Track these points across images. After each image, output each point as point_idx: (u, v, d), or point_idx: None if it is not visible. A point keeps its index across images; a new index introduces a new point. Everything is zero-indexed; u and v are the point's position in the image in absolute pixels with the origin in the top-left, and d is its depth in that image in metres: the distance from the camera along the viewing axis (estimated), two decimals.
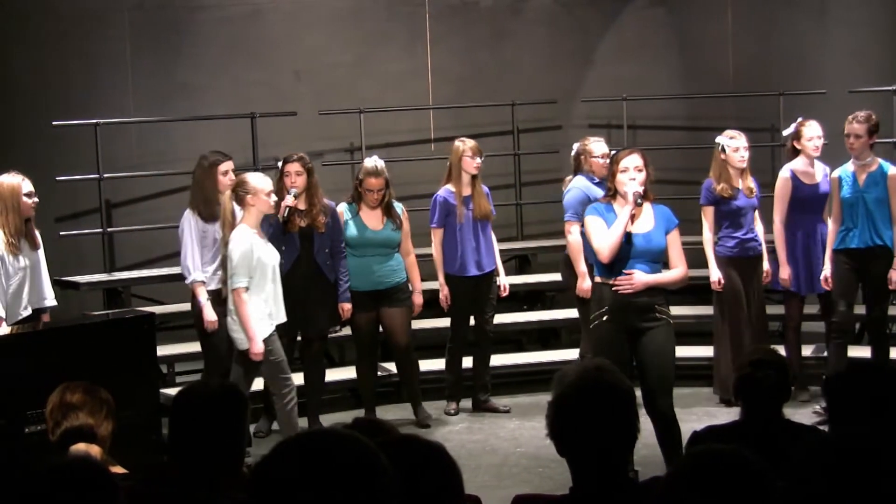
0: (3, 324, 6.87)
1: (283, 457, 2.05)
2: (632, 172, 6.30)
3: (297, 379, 7.61)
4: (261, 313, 7.07)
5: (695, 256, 8.60)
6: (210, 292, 7.60)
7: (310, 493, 1.98)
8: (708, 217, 8.36)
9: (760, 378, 4.38)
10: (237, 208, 7.23)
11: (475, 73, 11.11)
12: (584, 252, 7.85)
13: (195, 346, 9.02)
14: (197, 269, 7.58)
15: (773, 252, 8.71)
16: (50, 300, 7.36)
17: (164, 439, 5.94)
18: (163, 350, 8.04)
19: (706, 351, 8.81)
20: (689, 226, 9.06)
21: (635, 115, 10.98)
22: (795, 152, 8.36)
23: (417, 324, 8.66)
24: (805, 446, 2.57)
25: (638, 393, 3.79)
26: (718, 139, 8.37)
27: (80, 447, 4.09)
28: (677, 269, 6.42)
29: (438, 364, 8.79)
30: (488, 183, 8.78)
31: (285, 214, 7.78)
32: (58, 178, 9.29)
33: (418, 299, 8.32)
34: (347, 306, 8.04)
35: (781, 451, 3.34)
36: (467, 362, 8.68)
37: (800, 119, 8.41)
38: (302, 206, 7.87)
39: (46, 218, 8.29)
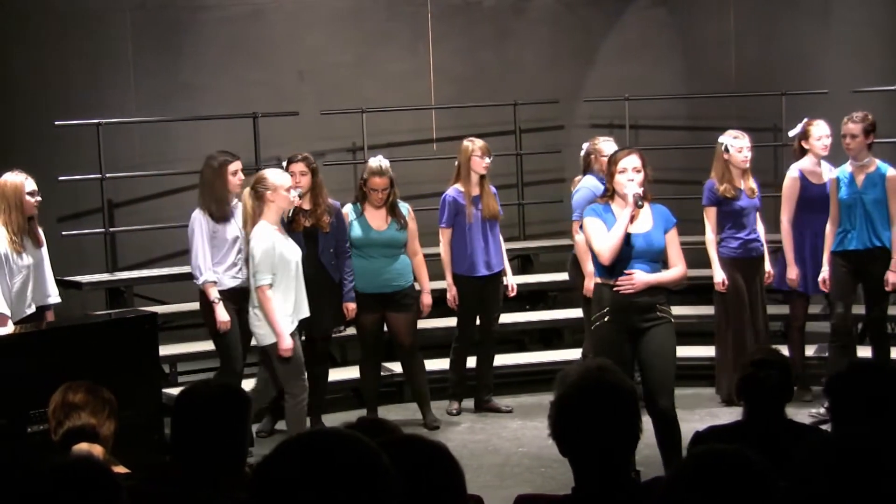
0: (9, 321, 6.88)
1: (285, 457, 2.05)
2: (630, 173, 6.29)
3: None
4: (283, 310, 7.08)
5: (696, 256, 8.60)
6: (221, 292, 7.58)
7: (311, 492, 1.98)
8: (710, 218, 8.34)
9: (763, 378, 4.38)
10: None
11: (477, 72, 11.11)
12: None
13: (197, 346, 9.05)
14: (209, 269, 7.53)
15: (774, 252, 8.70)
16: (54, 297, 7.37)
17: (167, 439, 5.94)
18: (165, 350, 8.04)
19: (708, 351, 8.80)
20: (690, 226, 9.07)
21: (637, 115, 10.98)
22: (803, 152, 8.33)
23: (422, 323, 8.64)
24: (807, 446, 2.57)
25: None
26: (722, 139, 8.34)
27: (83, 447, 4.10)
28: (676, 268, 6.41)
29: (440, 364, 8.78)
30: (490, 183, 8.77)
31: (290, 214, 7.78)
32: (60, 178, 9.29)
33: (427, 299, 8.28)
34: (352, 306, 8.03)
35: (784, 451, 3.33)
36: (470, 362, 8.68)
37: (806, 119, 8.39)
38: (306, 206, 7.87)
39: (48, 218, 8.29)
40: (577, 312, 9.69)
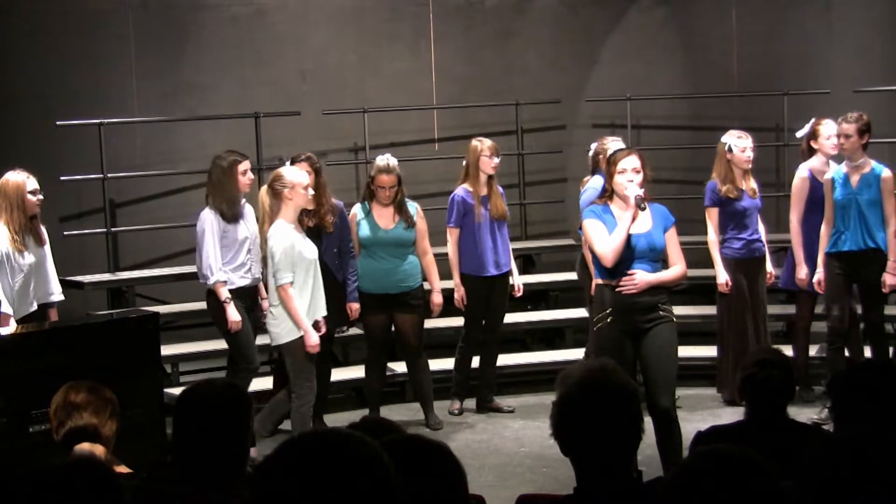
0: (11, 320, 6.89)
1: (287, 456, 2.05)
2: (630, 174, 6.26)
3: None
4: (301, 309, 7.09)
5: (699, 257, 8.60)
6: (230, 291, 7.54)
7: (312, 492, 1.98)
8: (713, 218, 8.31)
9: (765, 378, 4.38)
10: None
11: (479, 72, 11.11)
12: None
13: (199, 346, 9.06)
14: (220, 269, 7.49)
15: (775, 253, 8.69)
16: (57, 295, 7.37)
17: (168, 439, 5.94)
18: (167, 350, 8.04)
19: (710, 351, 8.80)
20: (693, 226, 9.07)
21: (639, 115, 10.98)
22: (811, 152, 8.30)
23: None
24: (809, 446, 2.57)
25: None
26: (725, 139, 8.32)
27: (85, 447, 4.10)
28: (677, 267, 6.40)
29: (443, 364, 8.77)
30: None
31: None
32: (62, 178, 9.29)
33: (437, 298, 8.24)
34: (355, 306, 8.02)
35: (786, 451, 3.34)
36: (473, 362, 8.67)
37: (815, 119, 8.36)
38: (310, 206, 7.84)
39: (50, 218, 8.29)
40: (578, 312, 9.70)
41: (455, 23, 11.06)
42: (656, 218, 6.35)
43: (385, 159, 8.10)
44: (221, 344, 8.68)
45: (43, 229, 7.31)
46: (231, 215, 7.54)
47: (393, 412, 8.45)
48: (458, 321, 8.67)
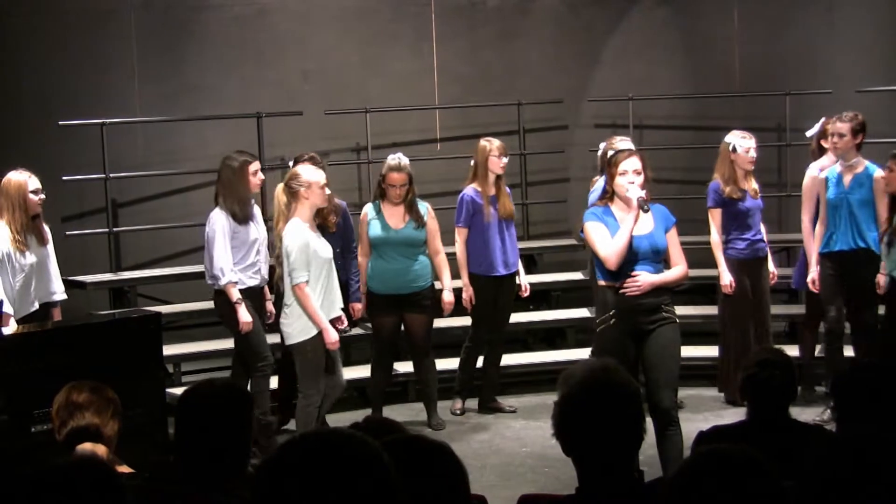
0: (12, 320, 6.89)
1: (288, 456, 2.05)
2: (631, 176, 6.24)
3: None
4: (317, 307, 7.07)
5: (701, 257, 8.59)
6: (240, 291, 7.51)
7: (313, 492, 1.98)
8: (716, 219, 8.27)
9: (767, 378, 4.38)
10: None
11: (481, 72, 11.11)
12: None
13: (201, 346, 9.06)
14: (231, 270, 7.46)
15: (777, 253, 8.67)
16: (59, 294, 7.36)
17: (170, 439, 5.94)
18: (169, 350, 8.04)
19: (712, 351, 8.79)
20: (694, 226, 9.07)
21: (641, 115, 10.97)
22: (822, 151, 8.28)
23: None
24: (812, 446, 2.57)
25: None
26: (729, 138, 8.28)
27: (87, 447, 4.10)
28: (678, 268, 6.38)
29: (445, 364, 8.77)
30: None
31: None
32: (64, 178, 9.29)
33: (448, 297, 8.20)
34: (358, 306, 8.02)
35: (788, 451, 3.33)
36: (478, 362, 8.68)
37: (824, 118, 8.34)
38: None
39: (52, 217, 8.29)
40: (580, 312, 9.72)
41: (457, 23, 11.06)
42: (657, 219, 6.33)
43: (397, 158, 8.10)
44: (223, 344, 8.70)
45: (46, 228, 7.31)
46: (243, 216, 7.51)
47: (395, 412, 8.44)
48: (467, 321, 8.65)
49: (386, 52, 10.88)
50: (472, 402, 8.72)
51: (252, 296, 7.58)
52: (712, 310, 8.80)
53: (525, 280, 8.65)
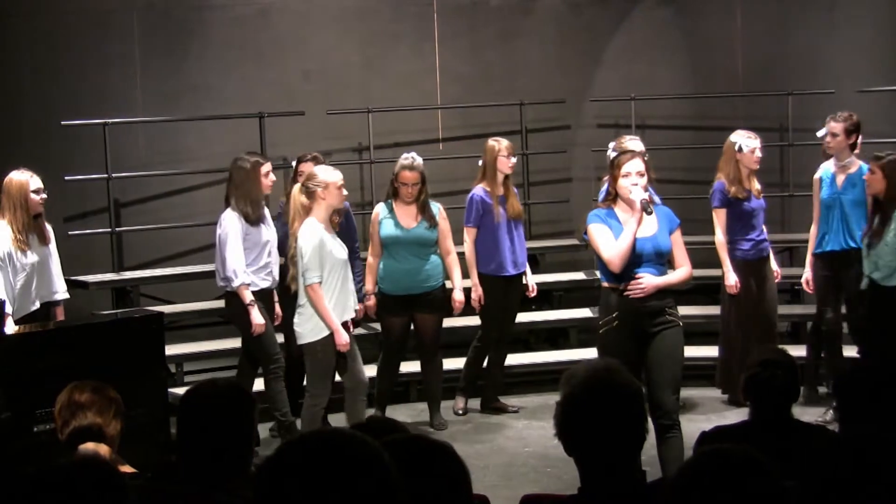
0: (9, 319, 6.88)
1: (288, 456, 2.05)
2: (634, 177, 6.22)
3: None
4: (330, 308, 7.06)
5: (704, 257, 8.58)
6: (252, 293, 7.49)
7: (314, 493, 1.98)
8: (721, 220, 8.23)
9: (769, 378, 4.37)
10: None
11: (483, 72, 11.10)
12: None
13: (203, 346, 9.07)
14: (244, 271, 7.44)
15: (780, 253, 8.67)
16: (61, 293, 7.36)
17: (173, 439, 5.94)
18: (171, 349, 8.04)
19: (715, 351, 8.78)
20: (697, 225, 9.06)
21: (644, 115, 10.97)
22: None
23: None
24: (814, 446, 2.57)
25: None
26: (734, 138, 8.25)
27: (89, 446, 4.10)
28: (683, 269, 6.38)
29: (451, 363, 8.75)
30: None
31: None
32: (66, 178, 9.30)
33: (459, 296, 8.18)
34: (361, 306, 8.02)
35: (790, 450, 3.33)
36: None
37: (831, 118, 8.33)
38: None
39: (55, 217, 8.30)
40: (582, 312, 9.71)
41: (459, 23, 11.06)
42: (661, 220, 6.30)
43: (410, 157, 8.10)
44: (226, 344, 8.70)
45: (49, 227, 7.31)
46: (255, 217, 7.50)
47: (397, 412, 8.45)
48: (477, 320, 8.63)
49: (388, 51, 10.88)
50: (475, 402, 8.71)
51: (264, 298, 7.57)
52: (714, 310, 8.78)
53: (532, 280, 8.64)
